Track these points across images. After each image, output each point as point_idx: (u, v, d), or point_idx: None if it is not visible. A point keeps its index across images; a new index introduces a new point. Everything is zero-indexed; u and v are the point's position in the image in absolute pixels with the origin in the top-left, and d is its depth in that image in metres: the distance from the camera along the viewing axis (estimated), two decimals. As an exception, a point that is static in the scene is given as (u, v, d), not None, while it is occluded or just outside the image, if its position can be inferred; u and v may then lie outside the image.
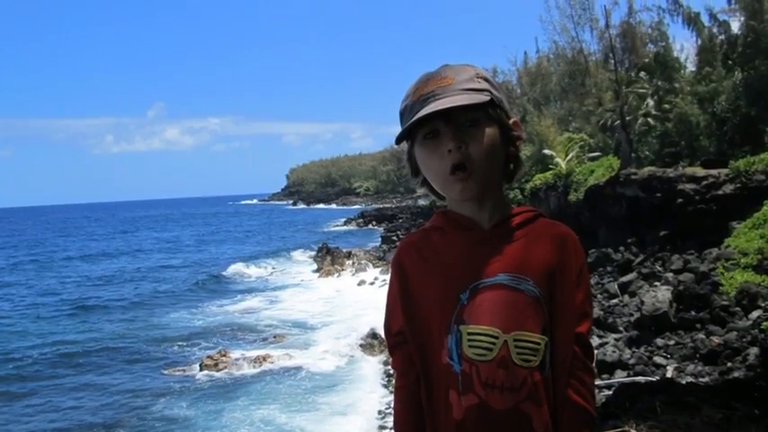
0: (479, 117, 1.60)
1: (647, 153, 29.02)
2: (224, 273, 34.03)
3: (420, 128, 1.62)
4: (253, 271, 35.00)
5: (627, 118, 27.01)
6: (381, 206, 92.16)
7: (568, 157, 29.70)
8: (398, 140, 1.68)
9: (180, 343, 18.90)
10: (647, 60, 29.61)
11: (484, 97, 1.59)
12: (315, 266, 35.03)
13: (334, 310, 22.83)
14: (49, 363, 17.48)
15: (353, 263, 33.35)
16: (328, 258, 34.51)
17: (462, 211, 1.68)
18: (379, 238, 45.16)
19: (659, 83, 29.24)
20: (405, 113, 1.65)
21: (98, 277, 35.59)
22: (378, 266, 31.70)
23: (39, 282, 35.02)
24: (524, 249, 1.64)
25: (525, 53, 52.22)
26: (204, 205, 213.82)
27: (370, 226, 65.18)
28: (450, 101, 1.57)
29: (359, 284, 28.45)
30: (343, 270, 32.60)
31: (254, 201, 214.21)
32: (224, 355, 16.60)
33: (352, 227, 67.69)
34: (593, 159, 29.57)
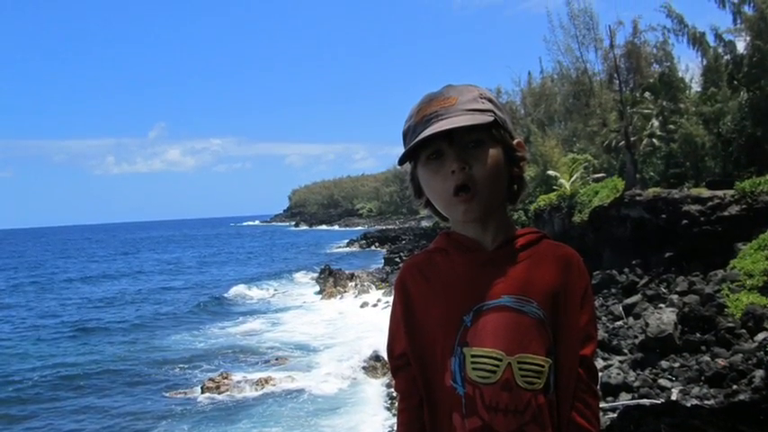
0: (483, 138, 1.60)
1: (652, 174, 29.44)
2: (226, 294, 33.93)
3: (423, 149, 1.61)
4: (255, 293, 34.91)
5: (631, 138, 27.22)
6: (384, 227, 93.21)
7: (572, 178, 29.89)
8: (401, 161, 1.67)
9: (181, 365, 18.77)
10: (651, 81, 29.75)
11: (487, 118, 1.59)
12: (317, 288, 34.93)
13: (336, 332, 22.76)
14: (50, 385, 17.33)
15: (356, 285, 33.25)
16: (331, 280, 34.35)
17: (466, 232, 1.67)
18: (382, 260, 45.23)
19: (664, 103, 29.62)
20: (408, 134, 1.65)
21: (99, 299, 35.43)
22: (380, 288, 31.69)
23: (39, 303, 34.86)
24: (528, 271, 1.63)
25: (529, 74, 50.80)
26: (206, 226, 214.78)
27: (373, 247, 65.50)
28: (454, 121, 1.56)
29: (361, 306, 28.26)
30: (345, 292, 32.45)
31: (256, 222, 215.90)
32: (226, 378, 16.47)
33: (354, 248, 67.87)
34: (597, 180, 29.56)
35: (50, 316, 30.02)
